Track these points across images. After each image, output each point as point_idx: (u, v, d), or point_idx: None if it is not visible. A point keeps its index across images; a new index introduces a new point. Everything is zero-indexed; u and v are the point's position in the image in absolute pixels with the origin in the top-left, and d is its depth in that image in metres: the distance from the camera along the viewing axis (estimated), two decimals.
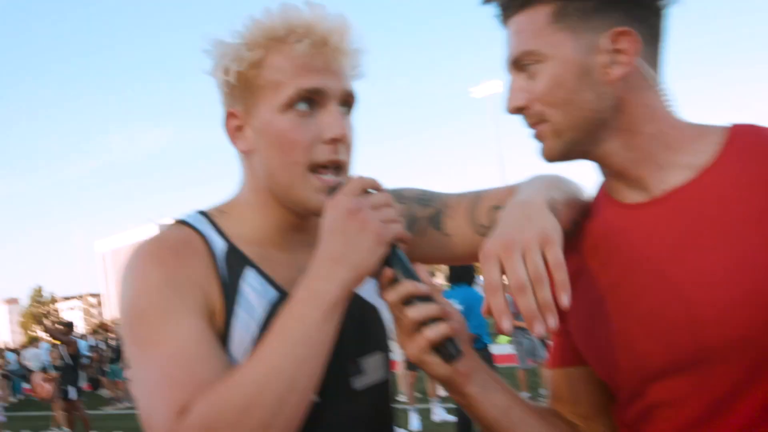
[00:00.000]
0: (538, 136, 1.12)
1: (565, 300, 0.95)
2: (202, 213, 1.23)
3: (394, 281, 1.04)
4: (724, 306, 0.97)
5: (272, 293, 1.15)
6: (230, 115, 1.20)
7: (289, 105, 1.12)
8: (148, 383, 1.04)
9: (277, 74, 1.13)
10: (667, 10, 1.11)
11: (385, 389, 1.25)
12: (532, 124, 1.12)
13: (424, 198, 1.36)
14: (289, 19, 1.12)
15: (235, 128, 1.20)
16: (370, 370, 1.22)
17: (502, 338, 12.40)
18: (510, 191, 1.27)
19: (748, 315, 0.96)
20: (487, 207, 1.26)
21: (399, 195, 1.36)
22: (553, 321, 0.94)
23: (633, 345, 1.07)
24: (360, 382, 1.19)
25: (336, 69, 1.15)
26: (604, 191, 1.20)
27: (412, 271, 1.06)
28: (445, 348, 1.02)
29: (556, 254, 0.97)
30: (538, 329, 0.94)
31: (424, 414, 9.25)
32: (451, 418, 8.32)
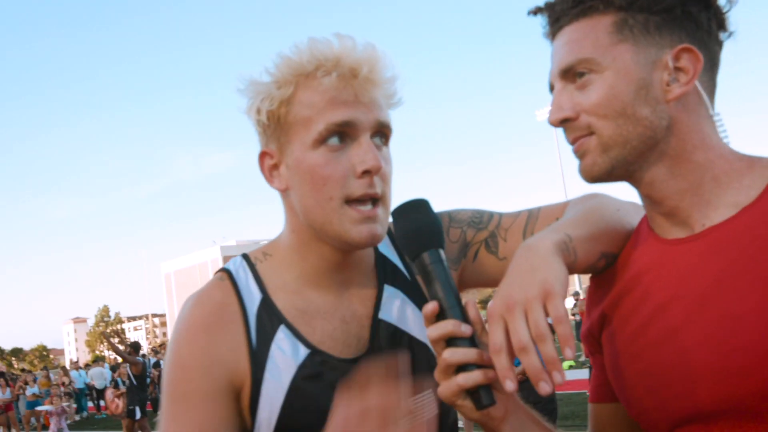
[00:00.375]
0: (582, 150, 1.07)
1: (568, 353, 0.92)
2: (246, 258, 1.24)
3: (439, 316, 1.02)
4: (754, 354, 0.92)
5: (302, 352, 1.16)
6: (264, 155, 1.20)
7: (320, 140, 1.11)
8: None
9: (306, 110, 1.12)
10: (723, 39, 1.08)
11: (438, 423, 1.20)
12: (577, 138, 1.07)
13: (477, 220, 1.33)
14: (317, 53, 1.12)
15: (270, 167, 1.20)
16: (423, 408, 1.16)
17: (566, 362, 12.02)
18: (564, 207, 1.25)
19: None
20: (542, 226, 1.23)
21: (451, 217, 1.34)
22: (559, 378, 0.92)
23: (659, 389, 1.02)
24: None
25: (367, 100, 1.13)
26: (646, 223, 1.14)
27: (461, 304, 1.03)
28: (477, 394, 1.00)
29: (557, 308, 0.94)
30: (544, 389, 0.92)
31: None
32: None
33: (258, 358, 1.15)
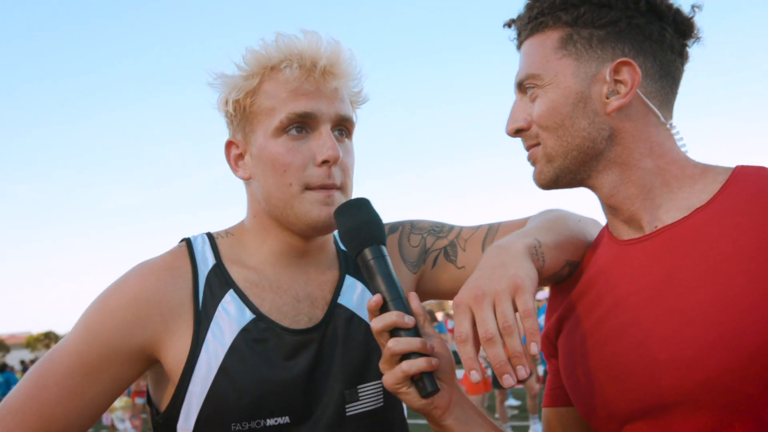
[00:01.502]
0: (532, 159, 1.14)
1: (534, 348, 0.96)
2: (209, 234, 1.31)
3: (382, 309, 1.07)
4: (701, 346, 0.95)
5: (248, 316, 1.20)
6: (230, 144, 1.27)
7: (282, 129, 1.18)
8: (27, 377, 1.19)
9: (270, 100, 1.18)
10: (682, 47, 1.11)
11: (380, 417, 1.26)
12: (528, 147, 1.14)
13: (438, 229, 1.40)
14: (282, 47, 1.18)
15: (236, 157, 1.27)
16: (367, 397, 1.24)
17: None
18: (524, 222, 1.30)
19: (725, 357, 0.93)
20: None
21: (412, 225, 1.41)
22: (523, 372, 0.95)
23: (610, 383, 1.07)
24: (354, 409, 1.22)
25: (328, 93, 1.19)
26: (606, 228, 1.19)
27: (403, 295, 1.08)
28: (421, 381, 1.05)
29: (527, 302, 0.97)
30: (507, 382, 0.96)
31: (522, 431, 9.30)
32: None
33: (202, 317, 1.19)
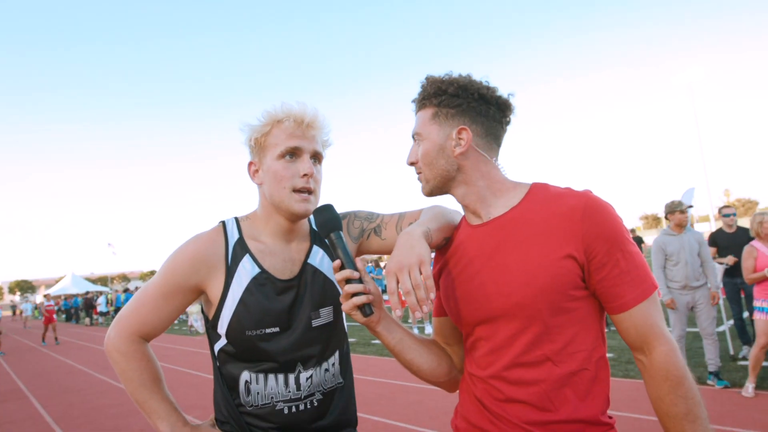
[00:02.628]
0: (419, 180, 1.79)
1: (432, 296, 1.54)
2: (236, 217, 1.98)
3: (341, 268, 1.71)
4: (516, 284, 1.56)
5: (256, 270, 1.88)
6: (251, 164, 1.97)
7: (281, 156, 1.87)
8: (133, 299, 1.91)
9: (275, 139, 1.88)
10: (502, 117, 1.76)
11: (331, 327, 1.96)
12: (418, 173, 1.78)
13: (370, 217, 2.10)
14: (285, 109, 1.90)
15: (254, 172, 1.96)
16: (324, 316, 1.95)
17: None
18: (419, 213, 2.02)
19: (526, 290, 1.53)
20: (406, 223, 2.00)
21: (355, 214, 2.10)
22: (426, 308, 1.52)
23: (467, 303, 1.69)
24: (316, 323, 1.92)
25: (309, 137, 1.89)
26: (464, 217, 1.85)
27: (352, 261, 1.71)
28: (363, 308, 1.69)
29: (427, 271, 1.56)
30: (418, 315, 1.53)
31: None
32: None
33: (230, 270, 1.85)
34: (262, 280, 1.86)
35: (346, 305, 1.68)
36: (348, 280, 1.69)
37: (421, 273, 1.55)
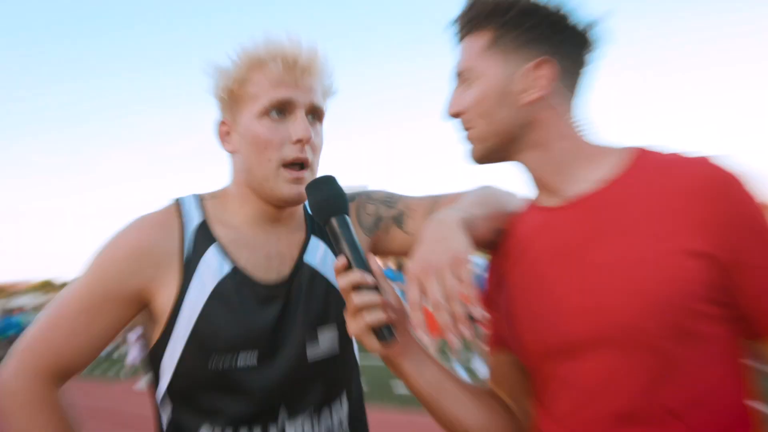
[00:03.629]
0: (465, 140, 1.31)
1: (476, 312, 1.10)
2: (197, 195, 1.47)
3: (347, 269, 1.20)
4: (614, 294, 1.11)
5: (226, 268, 1.37)
6: (221, 124, 1.46)
7: (264, 113, 1.36)
8: (40, 317, 1.36)
9: (255, 88, 1.37)
10: (594, 47, 1.27)
11: (336, 362, 1.45)
12: (465, 128, 1.30)
13: (389, 200, 1.59)
14: (268, 44, 1.37)
15: (224, 133, 1.46)
16: (325, 342, 1.43)
17: None
18: (461, 195, 1.47)
19: (632, 303, 1.09)
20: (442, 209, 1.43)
21: (368, 195, 1.61)
22: (466, 331, 1.08)
23: (534, 328, 1.22)
24: (314, 351, 1.40)
25: (304, 85, 1.38)
26: (532, 198, 1.37)
27: (364, 258, 1.22)
28: (380, 331, 1.19)
29: (466, 274, 1.11)
30: (453, 340, 1.09)
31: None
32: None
33: (188, 268, 1.35)
34: (235, 282, 1.36)
35: (355, 325, 1.20)
36: (357, 288, 1.18)
37: (457, 277, 1.09)
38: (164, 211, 1.42)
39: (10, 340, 18.78)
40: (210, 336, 1.32)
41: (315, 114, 1.42)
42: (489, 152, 1.28)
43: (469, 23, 1.30)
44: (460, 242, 1.16)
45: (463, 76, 1.29)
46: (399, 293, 1.31)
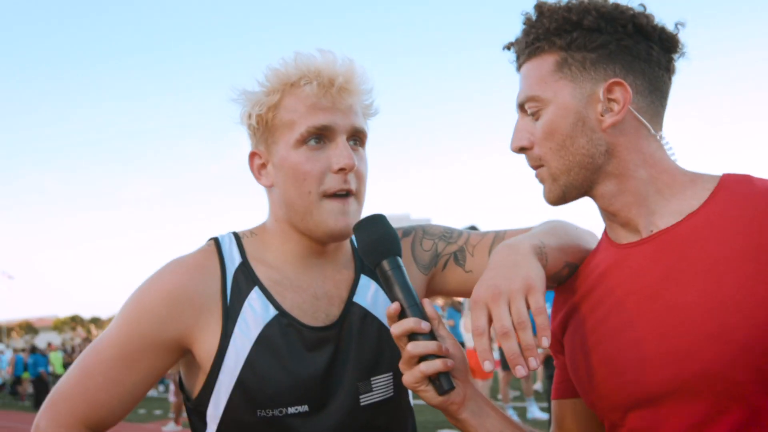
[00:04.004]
0: (540, 179, 1.21)
1: (545, 342, 1.05)
2: (235, 234, 1.40)
3: (400, 315, 1.15)
4: (696, 340, 1.03)
5: (272, 312, 1.29)
6: (254, 155, 1.37)
7: (302, 141, 1.27)
8: (75, 366, 1.30)
9: (290, 114, 1.28)
10: (668, 62, 1.17)
11: (391, 406, 1.36)
12: (533, 166, 1.21)
13: (448, 235, 1.49)
14: (301, 65, 1.28)
15: (259, 166, 1.36)
16: (379, 388, 1.34)
17: None
18: (527, 231, 1.36)
19: (717, 349, 1.01)
20: None
21: (424, 230, 1.50)
22: (534, 363, 1.03)
23: (614, 375, 1.13)
24: (367, 400, 1.32)
25: (343, 107, 1.28)
26: (605, 234, 1.26)
27: (418, 303, 1.16)
28: (438, 381, 1.13)
29: (538, 301, 1.06)
30: (520, 372, 1.04)
31: (520, 412, 9.76)
32: (545, 416, 8.68)
33: (230, 312, 1.28)
34: (282, 327, 1.29)
35: (410, 376, 1.14)
36: (412, 336, 1.14)
37: (528, 306, 1.06)
38: (202, 253, 1.35)
39: (41, 379, 18.88)
40: (257, 385, 1.25)
41: (357, 138, 1.33)
42: (567, 188, 1.18)
43: (529, 47, 1.20)
44: (534, 269, 1.10)
45: (527, 107, 1.19)
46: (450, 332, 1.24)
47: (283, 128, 1.29)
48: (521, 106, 1.21)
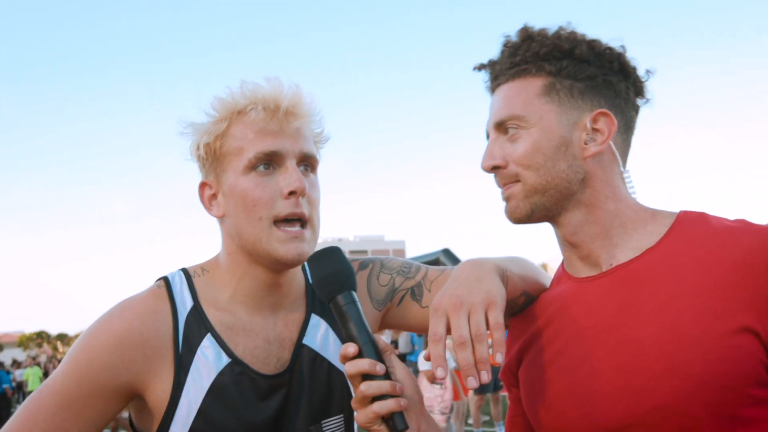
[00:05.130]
0: (507, 194, 1.19)
1: (498, 358, 1.03)
2: (185, 270, 1.35)
3: (356, 355, 1.12)
4: (653, 375, 1.03)
5: (224, 360, 1.26)
6: (204, 186, 1.33)
7: (250, 167, 1.24)
8: (19, 413, 1.23)
9: (238, 141, 1.25)
10: (639, 106, 1.21)
11: None
12: (504, 184, 1.19)
13: (405, 269, 1.46)
14: (247, 93, 1.26)
15: (209, 197, 1.33)
16: (331, 430, 1.32)
17: None
18: None
19: (674, 385, 1.01)
20: None
21: (382, 264, 1.48)
22: (486, 376, 1.03)
23: (569, 409, 1.12)
24: None
25: (291, 131, 1.26)
26: (563, 268, 1.26)
27: (373, 341, 1.14)
28: (392, 420, 1.11)
29: (497, 316, 1.06)
30: (471, 383, 1.02)
31: None
32: None
33: (183, 361, 1.25)
34: (234, 375, 1.26)
35: (363, 416, 1.11)
36: (366, 375, 1.10)
37: (488, 319, 1.06)
38: (151, 295, 1.30)
39: (4, 396, 18.35)
40: None
41: (307, 164, 1.30)
42: (537, 208, 1.18)
43: (513, 68, 1.19)
44: (496, 286, 1.11)
45: (508, 125, 1.18)
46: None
47: (231, 156, 1.26)
48: (500, 125, 1.19)
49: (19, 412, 1.24)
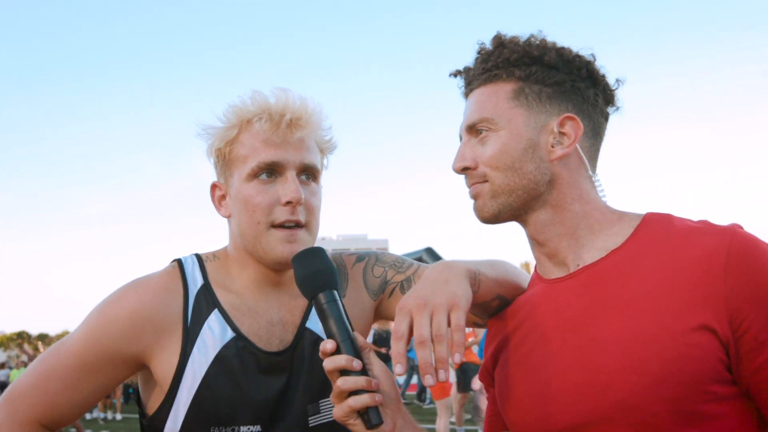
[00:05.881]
0: (475, 193, 1.25)
1: (457, 358, 1.06)
2: (198, 256, 1.46)
3: (335, 351, 1.17)
4: (614, 372, 1.07)
5: (229, 335, 1.37)
6: (214, 187, 1.44)
7: (253, 175, 1.35)
8: (35, 366, 1.38)
9: (244, 149, 1.36)
10: (609, 113, 1.26)
11: (338, 427, 1.38)
12: (473, 184, 1.24)
13: (398, 264, 1.57)
14: (256, 102, 1.36)
15: (219, 198, 1.44)
16: (327, 410, 1.42)
17: None
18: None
19: (633, 381, 1.04)
20: None
21: (377, 258, 1.58)
22: (443, 375, 1.07)
23: (539, 406, 1.16)
24: (315, 421, 1.40)
25: (293, 142, 1.36)
26: (536, 270, 1.32)
27: (352, 338, 1.19)
28: (367, 415, 1.16)
29: (459, 318, 1.10)
30: (428, 381, 1.06)
31: None
32: None
33: (190, 333, 1.36)
34: (238, 349, 1.36)
35: (339, 410, 1.16)
36: (343, 370, 1.16)
37: (450, 321, 1.09)
38: (166, 274, 1.42)
39: None
40: (212, 403, 1.33)
41: (308, 173, 1.39)
42: (504, 208, 1.22)
43: (485, 73, 1.24)
44: (462, 289, 1.14)
45: (478, 128, 1.23)
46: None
47: (238, 162, 1.37)
48: (471, 128, 1.24)
49: (37, 365, 1.38)
